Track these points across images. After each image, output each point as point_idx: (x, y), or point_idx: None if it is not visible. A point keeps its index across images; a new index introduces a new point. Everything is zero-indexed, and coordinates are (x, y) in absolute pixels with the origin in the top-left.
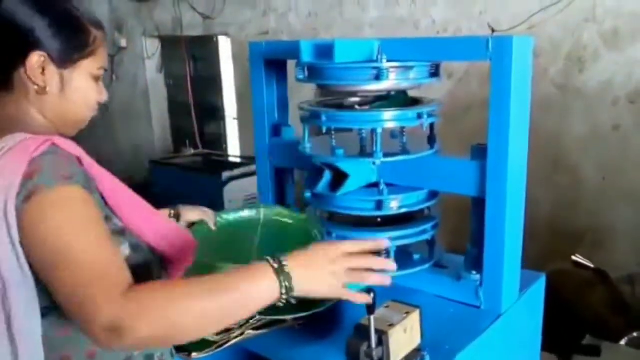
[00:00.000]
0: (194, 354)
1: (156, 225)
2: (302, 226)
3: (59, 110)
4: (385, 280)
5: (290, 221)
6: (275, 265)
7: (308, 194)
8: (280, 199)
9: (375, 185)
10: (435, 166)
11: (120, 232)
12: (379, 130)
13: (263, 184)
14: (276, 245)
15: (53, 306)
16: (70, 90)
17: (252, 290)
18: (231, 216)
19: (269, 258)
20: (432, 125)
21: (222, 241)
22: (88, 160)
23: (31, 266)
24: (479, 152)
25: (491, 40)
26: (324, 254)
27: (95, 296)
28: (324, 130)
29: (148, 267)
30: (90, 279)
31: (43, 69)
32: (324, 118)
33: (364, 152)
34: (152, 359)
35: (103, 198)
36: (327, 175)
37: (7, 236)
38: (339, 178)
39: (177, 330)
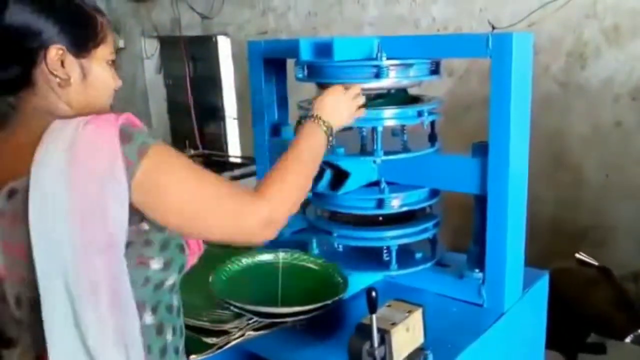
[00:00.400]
0: (192, 356)
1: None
2: (325, 273)
3: (83, 99)
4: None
5: (313, 267)
6: (319, 122)
7: (308, 194)
8: None
9: (376, 183)
10: (436, 164)
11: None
12: (380, 129)
13: None
14: (298, 286)
15: None
16: (92, 77)
17: (317, 144)
18: (250, 260)
19: (312, 118)
20: (432, 123)
21: (245, 282)
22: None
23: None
24: (480, 150)
25: (491, 37)
26: (345, 98)
27: (246, 204)
28: None
29: (166, 245)
30: (234, 195)
31: (62, 62)
32: None
33: (365, 150)
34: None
35: None
36: (328, 174)
37: (119, 201)
38: (340, 177)
39: (299, 199)
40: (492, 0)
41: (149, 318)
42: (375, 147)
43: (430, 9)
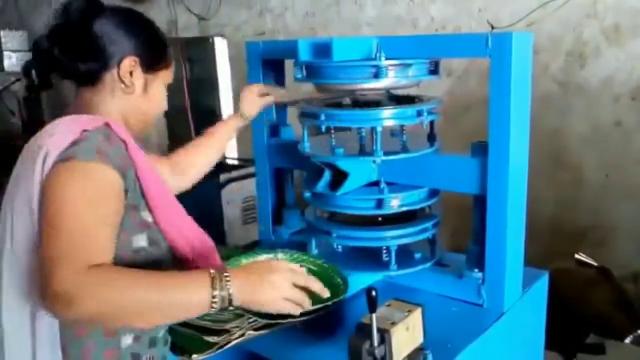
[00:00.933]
0: (194, 356)
1: (182, 227)
2: (325, 273)
3: (137, 109)
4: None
5: (312, 267)
6: (216, 277)
7: (308, 194)
8: (279, 200)
9: (375, 184)
10: (435, 164)
11: (144, 225)
12: (379, 129)
13: (262, 185)
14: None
15: None
16: (151, 92)
17: (188, 298)
18: (249, 260)
19: (211, 270)
20: (432, 123)
21: None
22: (134, 147)
23: None
24: (480, 149)
25: (491, 37)
26: (267, 266)
27: (62, 262)
28: (323, 130)
29: (158, 264)
30: (66, 246)
31: (131, 72)
32: (322, 117)
33: (364, 150)
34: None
35: (141, 187)
36: (327, 175)
37: (39, 182)
38: (339, 177)
39: (117, 312)
40: (491, 0)
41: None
42: (374, 147)
43: (428, 8)
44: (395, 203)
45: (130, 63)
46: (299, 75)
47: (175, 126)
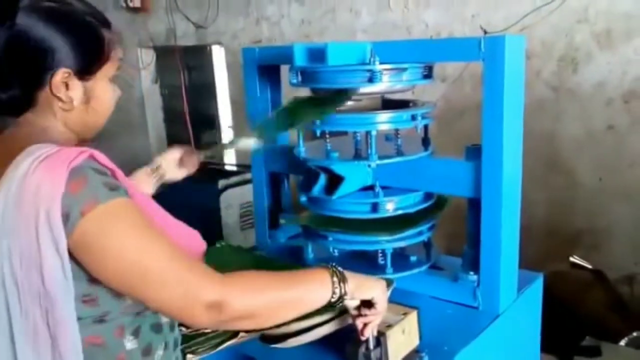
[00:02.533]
0: (189, 356)
1: (176, 236)
2: None
3: (84, 120)
4: None
5: None
6: (336, 275)
7: (303, 198)
8: (276, 205)
9: (370, 187)
10: (430, 167)
11: None
12: (374, 133)
13: (258, 190)
14: None
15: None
16: (94, 99)
17: (314, 292)
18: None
19: (330, 266)
20: (426, 127)
21: None
22: (120, 174)
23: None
24: (474, 153)
25: (483, 41)
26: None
27: (198, 279)
28: (318, 134)
29: None
30: (179, 273)
31: (67, 85)
32: (317, 121)
33: (359, 155)
34: None
35: None
36: (323, 179)
37: (55, 248)
38: (334, 181)
39: (261, 312)
40: (484, 6)
41: (129, 343)
42: (369, 151)
43: (422, 15)
44: (390, 206)
45: (62, 76)
46: (295, 81)
47: (174, 132)
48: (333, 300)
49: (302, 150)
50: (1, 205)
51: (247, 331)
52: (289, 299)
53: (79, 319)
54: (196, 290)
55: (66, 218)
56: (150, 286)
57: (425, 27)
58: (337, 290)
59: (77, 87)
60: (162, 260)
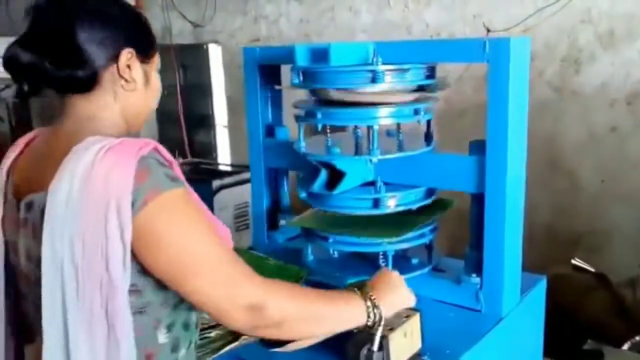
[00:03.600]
0: None
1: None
2: None
3: (140, 105)
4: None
5: None
6: (368, 303)
7: (303, 194)
8: (275, 201)
9: (372, 183)
10: (432, 163)
11: None
12: (376, 127)
13: (257, 187)
14: None
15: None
16: (152, 83)
17: (351, 312)
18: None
19: (366, 295)
20: (428, 123)
21: None
22: (177, 168)
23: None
24: (477, 148)
25: (488, 42)
26: (391, 281)
27: (244, 281)
28: (319, 129)
29: None
30: (229, 273)
31: (129, 66)
32: (319, 115)
33: (360, 150)
34: None
35: None
36: (323, 174)
37: (120, 236)
38: (335, 177)
39: (295, 321)
40: (485, 6)
41: (162, 337)
42: (371, 146)
43: (423, 15)
44: (392, 202)
45: (127, 56)
46: (296, 81)
47: (167, 132)
48: (369, 324)
49: (303, 146)
50: (65, 192)
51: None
52: (325, 314)
53: None
54: (240, 292)
55: (132, 206)
56: (199, 279)
57: (426, 27)
58: (372, 316)
59: (138, 69)
60: (214, 256)
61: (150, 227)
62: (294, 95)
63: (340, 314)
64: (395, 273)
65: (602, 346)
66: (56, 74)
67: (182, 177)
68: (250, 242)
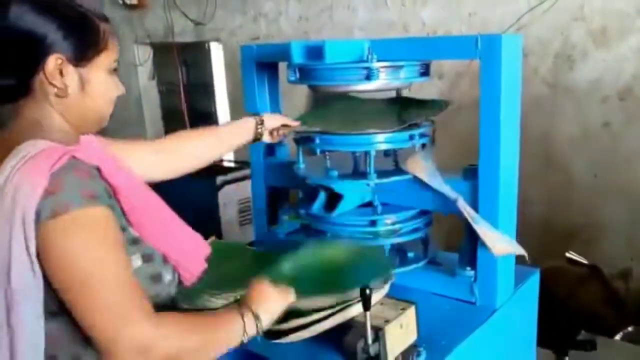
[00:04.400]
0: None
1: (172, 235)
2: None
3: (81, 110)
4: None
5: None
6: (248, 316)
7: (303, 213)
8: (274, 218)
9: (369, 203)
10: (428, 186)
11: (134, 242)
12: (372, 153)
13: (258, 204)
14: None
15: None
16: (90, 88)
17: (231, 334)
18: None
19: (239, 309)
20: (423, 145)
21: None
22: (108, 168)
23: (44, 276)
24: (470, 173)
25: (480, 39)
26: (263, 292)
27: (127, 317)
28: (318, 153)
29: (159, 278)
30: (119, 301)
31: (61, 71)
32: (317, 141)
33: (358, 171)
34: None
35: (121, 207)
36: (322, 197)
37: (24, 247)
38: (334, 198)
39: (185, 354)
40: (481, 4)
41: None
42: (368, 170)
43: (420, 13)
44: (389, 222)
45: (55, 62)
46: (293, 78)
47: (172, 130)
48: (245, 338)
49: (302, 168)
50: None
51: None
52: (211, 341)
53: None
54: (130, 328)
55: (37, 217)
56: (88, 304)
57: (422, 25)
58: (250, 326)
59: (72, 74)
60: (110, 284)
61: (49, 244)
62: (293, 93)
63: (225, 336)
64: (265, 282)
65: (595, 336)
66: None
67: (113, 180)
68: (253, 236)
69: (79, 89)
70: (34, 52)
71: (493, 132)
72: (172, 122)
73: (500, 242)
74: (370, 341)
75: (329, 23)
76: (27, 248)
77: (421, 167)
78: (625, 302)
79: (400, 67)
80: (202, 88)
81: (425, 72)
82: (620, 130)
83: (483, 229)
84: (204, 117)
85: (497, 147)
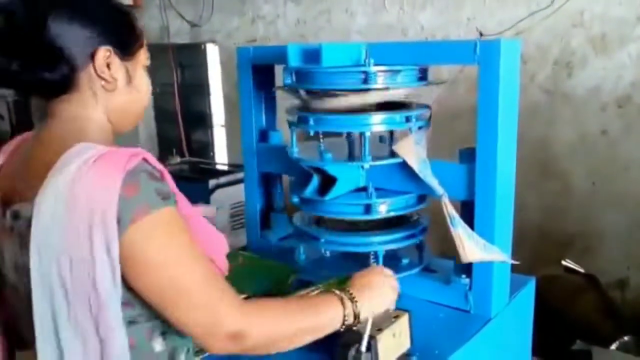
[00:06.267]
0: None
1: (208, 235)
2: None
3: (126, 105)
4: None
5: None
6: (343, 297)
7: (296, 199)
8: (267, 205)
9: (363, 189)
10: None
11: None
12: (367, 134)
13: (250, 190)
14: None
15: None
16: (136, 81)
17: (328, 319)
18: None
19: (336, 291)
20: (420, 129)
21: None
22: (168, 175)
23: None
24: (467, 156)
25: (479, 44)
26: (372, 281)
27: (226, 309)
28: (312, 134)
29: None
30: (209, 297)
31: (108, 65)
32: (311, 122)
33: (352, 156)
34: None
35: None
36: (315, 180)
37: (106, 251)
38: (327, 182)
39: (279, 341)
40: (479, 9)
41: (158, 346)
42: (363, 152)
43: (418, 17)
44: (383, 208)
45: (104, 54)
46: (289, 81)
47: (165, 131)
48: (346, 323)
49: (295, 151)
50: (51, 205)
51: None
52: (308, 326)
53: None
54: (222, 320)
55: (118, 222)
56: (181, 305)
57: (421, 30)
58: (350, 317)
59: (118, 67)
60: (197, 282)
61: (134, 248)
62: (288, 97)
63: (322, 321)
64: (380, 273)
65: (590, 346)
66: (24, 77)
67: (172, 186)
68: (245, 241)
69: (126, 82)
70: (84, 43)
71: (490, 137)
72: (166, 124)
73: (474, 249)
74: (362, 350)
75: (327, 26)
76: (109, 252)
77: (412, 151)
78: (621, 312)
79: (398, 71)
80: (197, 90)
81: (423, 76)
82: (619, 138)
83: (459, 234)
84: (198, 118)
85: (494, 151)
